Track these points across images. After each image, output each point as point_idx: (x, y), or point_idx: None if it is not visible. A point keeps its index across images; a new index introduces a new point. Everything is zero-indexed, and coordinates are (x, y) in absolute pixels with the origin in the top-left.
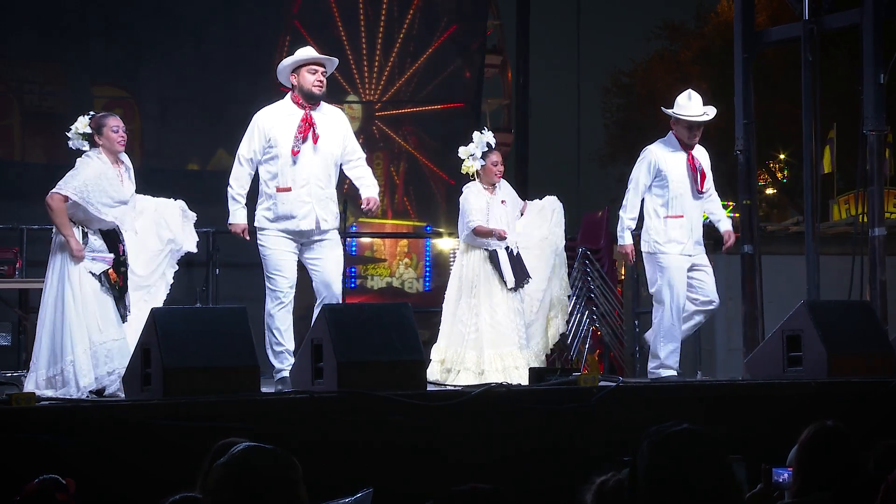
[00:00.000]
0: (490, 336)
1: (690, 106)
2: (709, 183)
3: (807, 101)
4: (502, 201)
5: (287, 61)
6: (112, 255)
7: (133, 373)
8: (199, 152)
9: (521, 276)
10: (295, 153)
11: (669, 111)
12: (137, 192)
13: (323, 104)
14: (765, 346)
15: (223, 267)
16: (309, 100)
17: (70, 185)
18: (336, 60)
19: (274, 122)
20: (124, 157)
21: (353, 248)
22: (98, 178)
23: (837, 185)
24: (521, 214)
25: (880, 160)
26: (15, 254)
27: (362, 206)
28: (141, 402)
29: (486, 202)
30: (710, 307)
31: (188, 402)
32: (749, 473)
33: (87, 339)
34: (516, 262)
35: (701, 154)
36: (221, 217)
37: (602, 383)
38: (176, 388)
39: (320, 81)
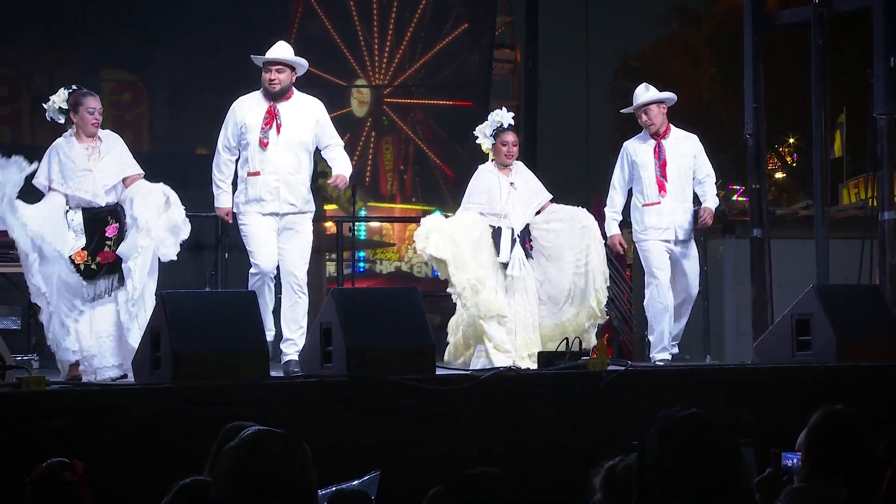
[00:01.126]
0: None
1: (640, 95)
2: (701, 172)
3: (816, 85)
4: (511, 183)
5: (255, 59)
6: (83, 240)
7: (143, 357)
8: (208, 137)
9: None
10: (264, 144)
11: (625, 110)
12: (148, 178)
13: (296, 94)
14: (774, 330)
15: (232, 251)
16: (269, 95)
17: (39, 173)
18: (302, 62)
19: (246, 111)
20: (107, 136)
21: (363, 233)
22: (55, 152)
23: (847, 168)
24: (539, 212)
25: (890, 144)
26: None
27: (329, 182)
28: (150, 386)
29: (494, 183)
30: (686, 294)
31: (197, 386)
32: (758, 458)
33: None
34: (517, 246)
35: (678, 143)
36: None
37: (611, 367)
38: (185, 371)
39: (272, 80)
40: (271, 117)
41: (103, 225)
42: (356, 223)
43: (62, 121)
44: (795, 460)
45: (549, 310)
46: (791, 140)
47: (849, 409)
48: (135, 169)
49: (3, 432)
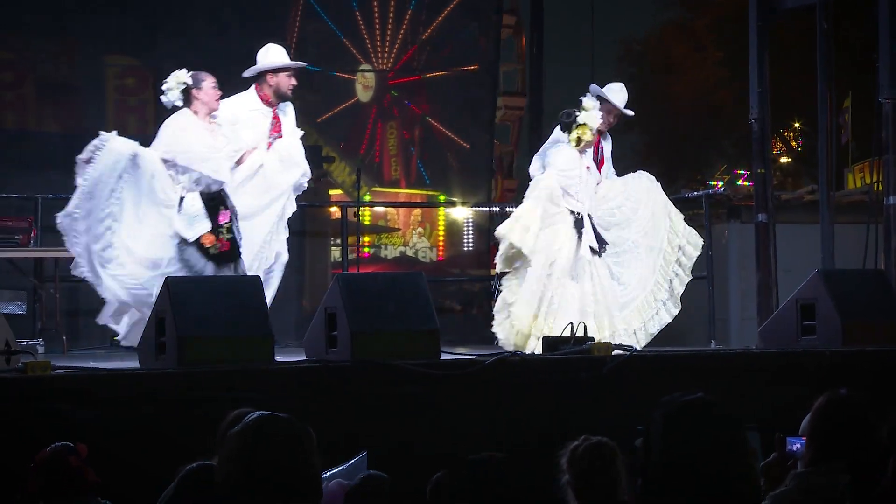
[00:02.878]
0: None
1: (617, 95)
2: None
3: (822, 69)
4: (587, 167)
5: (268, 63)
6: (207, 223)
7: (147, 341)
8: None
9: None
10: (269, 146)
11: (601, 92)
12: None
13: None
14: (779, 315)
15: None
16: (281, 100)
17: (159, 144)
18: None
19: (237, 116)
20: (216, 115)
21: (367, 218)
22: (182, 130)
23: (853, 153)
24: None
25: (895, 128)
26: (30, 223)
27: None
28: (155, 371)
29: (576, 164)
30: None
31: (202, 371)
32: (762, 443)
33: None
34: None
35: (606, 142)
36: None
37: (615, 352)
38: (190, 356)
39: (293, 85)
40: (278, 123)
41: (216, 212)
42: (360, 208)
43: (181, 102)
44: (800, 445)
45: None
46: (796, 125)
47: (853, 393)
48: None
49: (9, 417)
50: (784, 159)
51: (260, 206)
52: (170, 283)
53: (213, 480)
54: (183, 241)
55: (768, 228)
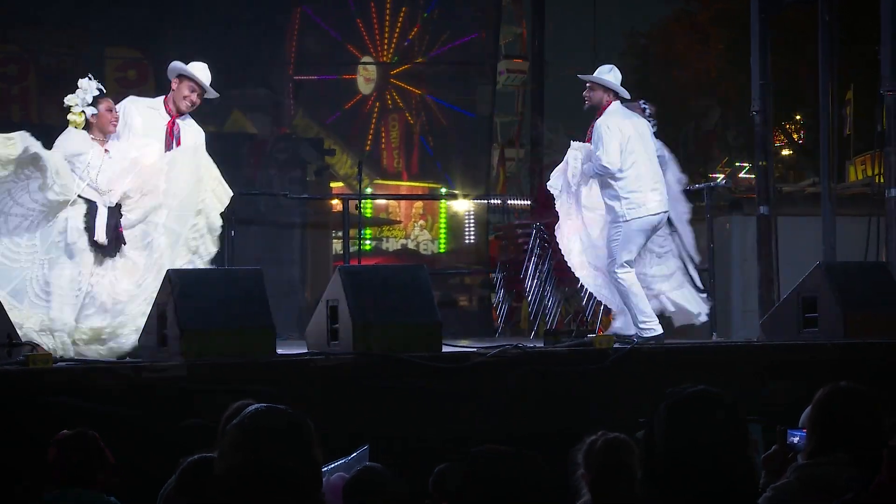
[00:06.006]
0: None
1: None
2: None
3: (824, 62)
4: None
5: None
6: None
7: (150, 334)
8: (216, 114)
9: None
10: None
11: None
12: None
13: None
14: (780, 307)
15: (239, 225)
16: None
17: None
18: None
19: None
20: None
21: (369, 210)
22: None
23: (854, 146)
24: None
25: None
26: None
27: None
28: (157, 363)
29: None
30: None
31: (204, 364)
32: (764, 435)
33: None
34: None
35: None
36: (237, 179)
37: (617, 345)
38: (192, 348)
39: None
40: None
41: None
42: (362, 201)
43: None
44: (801, 437)
45: None
46: (798, 117)
47: (854, 386)
48: None
49: (10, 409)
50: (786, 152)
51: None
52: (171, 276)
53: (214, 472)
54: None
55: (770, 221)
